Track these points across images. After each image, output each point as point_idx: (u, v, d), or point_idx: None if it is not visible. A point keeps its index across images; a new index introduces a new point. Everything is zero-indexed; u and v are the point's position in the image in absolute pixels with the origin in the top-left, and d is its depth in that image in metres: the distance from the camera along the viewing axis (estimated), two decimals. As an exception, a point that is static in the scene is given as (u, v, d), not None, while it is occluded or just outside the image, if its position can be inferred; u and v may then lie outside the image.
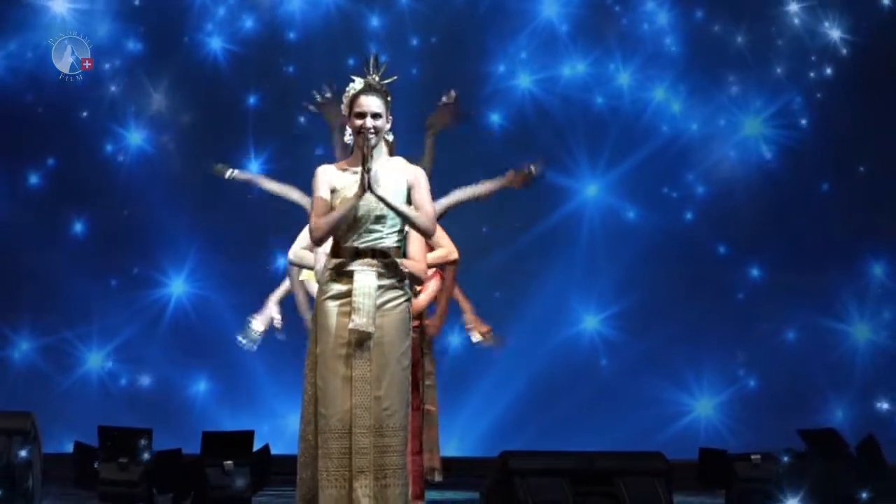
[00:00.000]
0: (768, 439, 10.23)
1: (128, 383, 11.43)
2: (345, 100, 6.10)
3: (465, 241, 9.70)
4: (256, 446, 7.22)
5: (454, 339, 11.26)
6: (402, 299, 5.85)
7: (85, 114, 11.49)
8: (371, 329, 5.70)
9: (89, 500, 7.25)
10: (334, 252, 5.90)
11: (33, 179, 11.51)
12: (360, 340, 5.71)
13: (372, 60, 6.09)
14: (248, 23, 11.69)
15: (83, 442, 7.01)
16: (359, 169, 5.87)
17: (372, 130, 5.91)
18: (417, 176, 6.01)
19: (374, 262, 5.83)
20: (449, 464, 7.55)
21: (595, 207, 11.82)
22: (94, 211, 11.56)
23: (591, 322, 11.73)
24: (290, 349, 10.56)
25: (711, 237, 11.77)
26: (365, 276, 5.78)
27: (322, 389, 5.73)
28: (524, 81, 11.77)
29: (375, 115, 5.94)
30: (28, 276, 11.42)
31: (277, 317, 8.41)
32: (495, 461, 6.71)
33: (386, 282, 5.82)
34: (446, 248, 7.18)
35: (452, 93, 7.99)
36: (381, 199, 5.82)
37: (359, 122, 5.93)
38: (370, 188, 5.80)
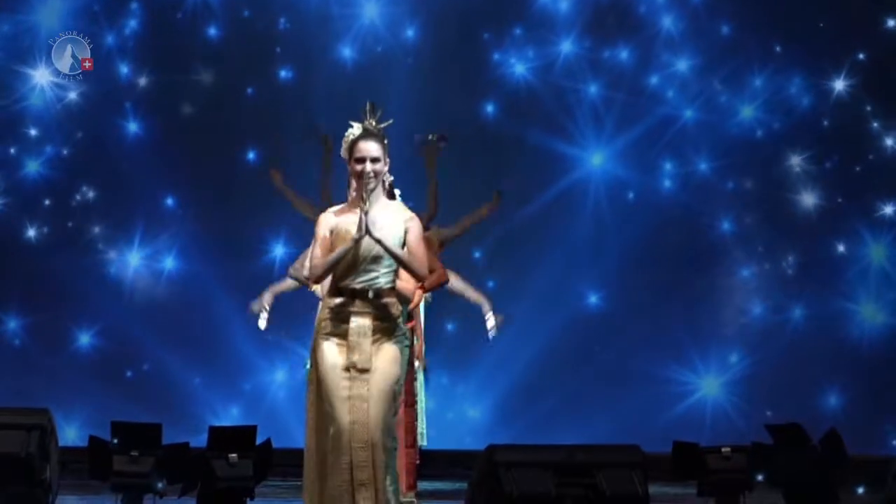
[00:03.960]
0: (773, 417, 11.02)
1: (118, 364, 12.07)
2: (344, 144, 6.72)
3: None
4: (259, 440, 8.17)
5: (449, 326, 12.04)
6: (397, 334, 6.56)
7: (77, 95, 12.06)
8: (367, 366, 6.42)
9: (103, 491, 8.24)
10: (332, 291, 6.58)
11: (31, 166, 12.21)
12: (358, 373, 6.41)
13: (368, 107, 6.76)
14: (245, 12, 12.38)
15: (97, 435, 7.99)
16: (358, 212, 6.54)
17: (371, 174, 6.55)
18: (413, 222, 6.64)
19: (370, 303, 6.50)
20: (441, 456, 8.59)
21: (600, 179, 12.45)
22: (89, 196, 12.24)
23: (593, 299, 12.41)
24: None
25: (715, 213, 12.44)
26: (361, 319, 6.48)
27: (327, 413, 6.42)
28: (524, 64, 12.44)
29: (374, 160, 6.56)
30: (18, 258, 12.13)
31: (266, 305, 9.31)
32: (482, 454, 7.66)
33: (380, 323, 6.52)
34: (439, 270, 8.00)
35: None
36: (377, 241, 6.47)
37: (359, 166, 6.57)
38: (368, 231, 6.45)
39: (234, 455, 7.83)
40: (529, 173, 12.46)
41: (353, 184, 6.80)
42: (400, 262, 6.62)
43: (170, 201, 12.36)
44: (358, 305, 6.56)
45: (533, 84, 12.47)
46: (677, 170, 12.47)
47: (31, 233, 12.20)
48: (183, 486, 7.99)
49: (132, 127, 12.26)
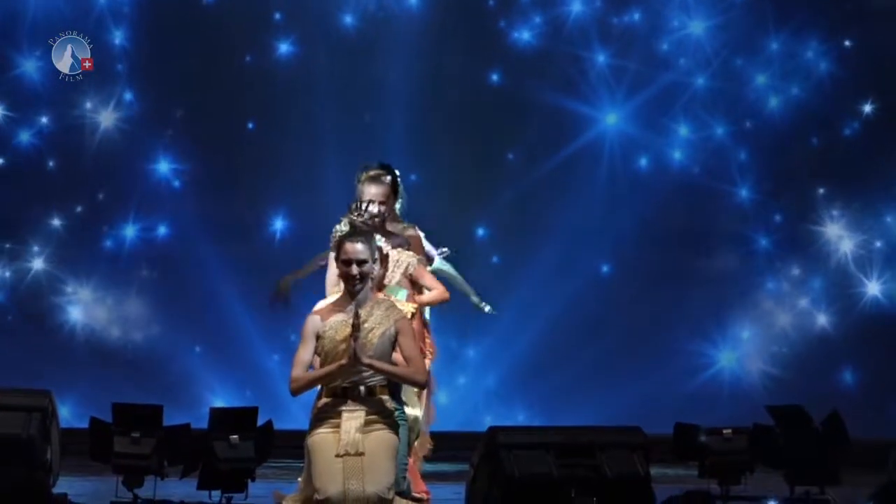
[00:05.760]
0: (794, 392, 11.48)
1: (111, 343, 12.38)
2: (332, 240, 7.00)
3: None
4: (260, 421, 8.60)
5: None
6: (389, 428, 6.76)
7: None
8: (360, 449, 6.63)
9: (104, 472, 8.66)
10: (322, 391, 6.79)
11: (24, 136, 12.54)
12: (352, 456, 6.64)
13: (354, 204, 7.23)
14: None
15: (99, 418, 8.42)
16: (348, 310, 6.70)
17: (358, 277, 6.72)
18: (403, 321, 6.81)
19: (362, 405, 6.68)
20: (442, 438, 9.02)
21: (611, 145, 12.77)
22: (82, 167, 12.53)
23: (605, 269, 12.77)
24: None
25: (732, 181, 12.79)
26: (353, 419, 6.67)
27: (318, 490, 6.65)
28: (530, 30, 12.77)
29: (361, 262, 6.70)
30: (9, 234, 12.45)
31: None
32: (483, 435, 8.08)
33: (372, 417, 6.72)
34: (439, 289, 8.33)
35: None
36: (369, 366, 6.64)
37: (345, 269, 6.74)
38: (358, 359, 6.60)
39: (235, 436, 8.20)
40: (539, 139, 12.78)
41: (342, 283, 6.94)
42: (394, 378, 6.81)
43: (166, 173, 12.63)
44: (350, 404, 6.74)
45: (540, 50, 12.76)
46: (692, 136, 12.79)
47: (24, 207, 12.49)
48: (184, 467, 8.38)
49: (127, 96, 12.55)
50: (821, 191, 12.80)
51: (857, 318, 12.68)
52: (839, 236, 12.76)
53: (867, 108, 12.79)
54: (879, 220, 12.80)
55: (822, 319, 12.68)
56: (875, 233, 12.79)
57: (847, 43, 12.82)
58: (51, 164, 12.51)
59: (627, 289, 12.67)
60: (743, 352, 12.69)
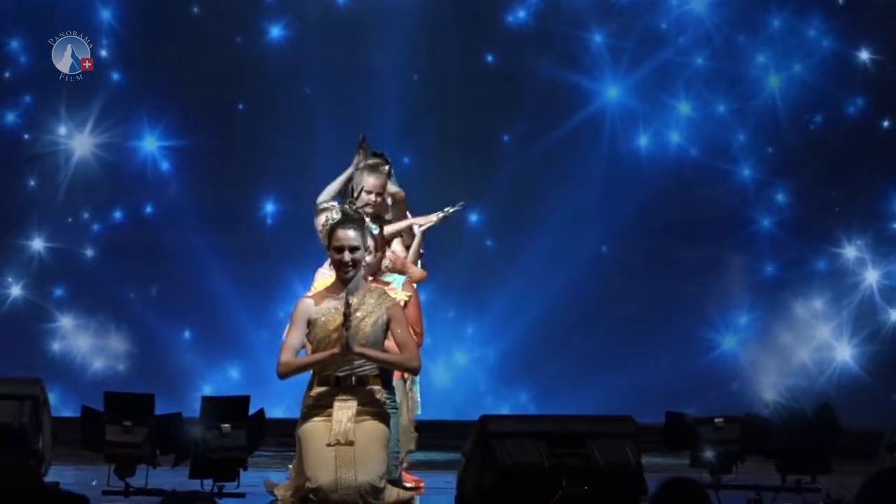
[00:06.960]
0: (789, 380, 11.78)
1: (96, 329, 12.54)
2: (323, 229, 7.29)
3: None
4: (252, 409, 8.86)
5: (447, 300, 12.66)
6: (380, 418, 7.13)
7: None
8: (351, 439, 7.01)
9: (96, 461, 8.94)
10: (314, 380, 7.16)
11: (10, 117, 12.74)
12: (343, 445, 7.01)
13: (347, 191, 7.49)
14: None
15: (90, 406, 8.70)
16: (340, 297, 7.05)
17: (350, 264, 7.07)
18: (395, 308, 7.13)
19: (354, 391, 7.05)
20: (434, 426, 9.30)
21: (611, 123, 12.96)
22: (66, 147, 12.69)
23: (607, 249, 12.95)
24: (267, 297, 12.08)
25: (735, 161, 12.99)
26: (345, 408, 7.04)
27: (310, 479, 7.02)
28: (526, 10, 12.96)
29: (353, 249, 7.07)
30: None
31: None
32: (475, 424, 8.35)
33: (364, 408, 7.08)
34: (418, 272, 8.67)
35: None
36: (361, 355, 6.99)
37: (337, 256, 7.10)
38: (350, 348, 6.96)
39: (227, 425, 8.40)
40: (536, 120, 12.95)
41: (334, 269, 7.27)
42: (388, 365, 7.19)
43: (153, 153, 12.77)
44: (342, 394, 7.11)
45: (536, 30, 12.94)
46: (693, 114, 12.95)
47: (11, 189, 12.72)
48: (176, 456, 8.59)
49: (114, 76, 12.73)
50: (830, 169, 12.96)
51: (864, 301, 12.84)
52: (854, 259, 12.92)
53: (884, 122, 12.96)
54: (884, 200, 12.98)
55: (829, 302, 12.87)
56: (886, 214, 12.97)
57: (849, 20, 12.99)
58: (29, 143, 12.68)
59: (626, 272, 12.87)
60: (742, 338, 12.85)
